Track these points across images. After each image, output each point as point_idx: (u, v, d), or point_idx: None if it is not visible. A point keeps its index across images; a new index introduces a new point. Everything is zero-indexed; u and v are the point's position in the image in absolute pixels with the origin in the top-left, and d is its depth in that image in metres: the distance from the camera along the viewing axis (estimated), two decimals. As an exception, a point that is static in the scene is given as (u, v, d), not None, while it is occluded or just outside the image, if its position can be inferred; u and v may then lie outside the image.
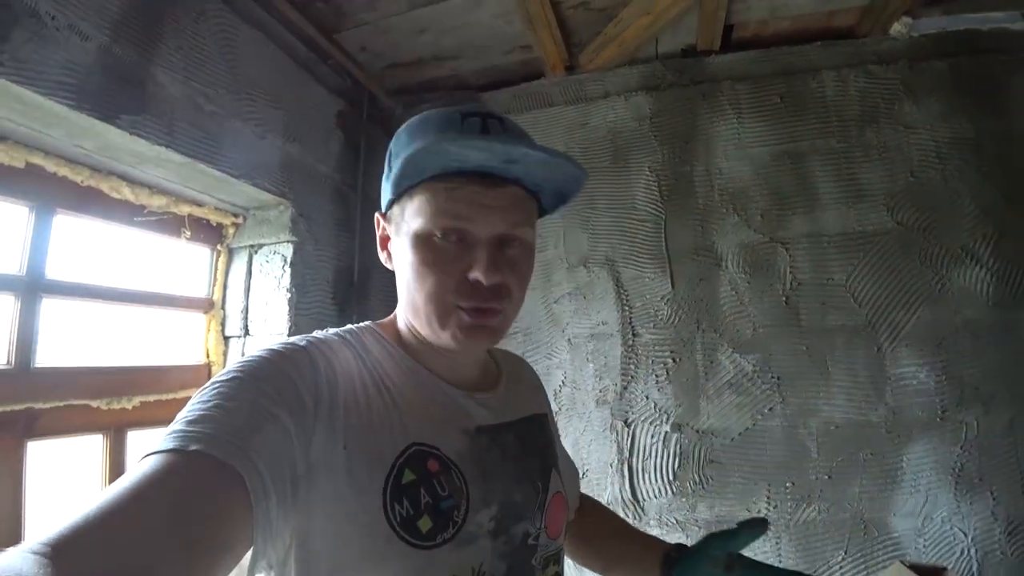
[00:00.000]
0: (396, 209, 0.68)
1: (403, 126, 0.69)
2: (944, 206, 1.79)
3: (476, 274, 0.63)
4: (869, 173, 1.86)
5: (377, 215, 0.74)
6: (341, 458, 0.57)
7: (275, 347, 0.61)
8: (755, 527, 0.78)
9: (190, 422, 0.50)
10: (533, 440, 0.77)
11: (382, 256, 0.75)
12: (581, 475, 1.90)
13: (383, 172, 0.72)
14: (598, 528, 0.97)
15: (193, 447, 0.48)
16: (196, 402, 0.53)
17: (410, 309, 0.69)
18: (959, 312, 1.73)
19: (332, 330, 0.70)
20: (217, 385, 0.54)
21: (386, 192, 0.70)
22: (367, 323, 0.74)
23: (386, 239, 0.73)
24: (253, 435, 0.51)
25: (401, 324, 0.74)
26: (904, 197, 1.83)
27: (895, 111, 1.88)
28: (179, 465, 0.47)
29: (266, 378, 0.56)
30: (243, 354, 1.80)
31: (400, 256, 0.68)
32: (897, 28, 1.89)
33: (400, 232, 0.68)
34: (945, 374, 1.71)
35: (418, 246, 0.64)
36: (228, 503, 0.47)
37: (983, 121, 1.81)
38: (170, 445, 0.48)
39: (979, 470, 1.64)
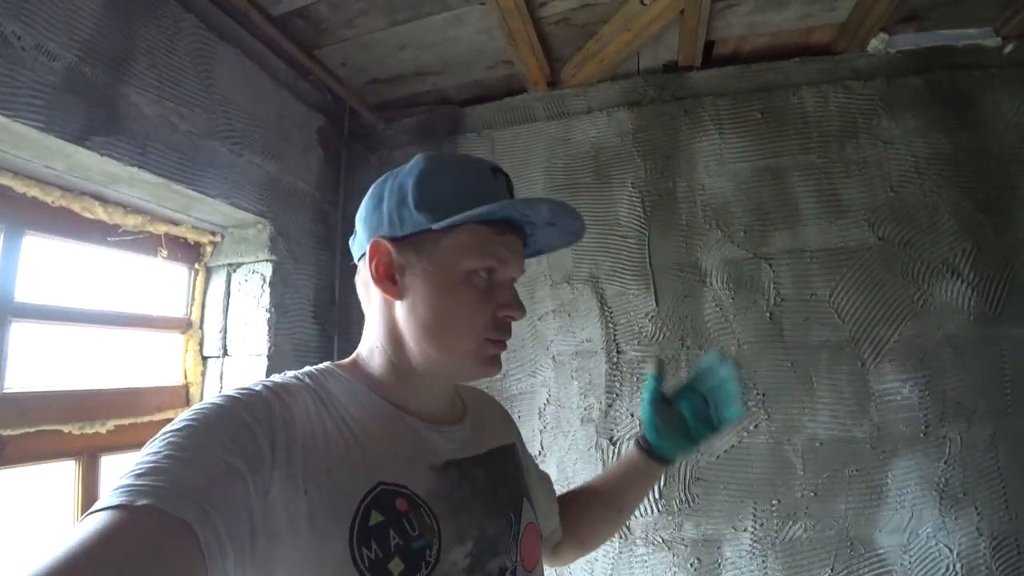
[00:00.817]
0: (428, 241, 0.67)
1: (424, 160, 0.69)
2: (924, 221, 1.80)
3: (512, 312, 0.70)
4: (850, 188, 1.87)
5: (378, 239, 0.69)
6: (303, 504, 0.55)
7: (229, 393, 0.59)
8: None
9: (139, 475, 0.47)
10: (502, 472, 0.77)
11: (381, 285, 0.69)
12: (566, 494, 1.89)
13: (397, 198, 0.68)
14: (589, 495, 1.01)
15: (141, 502, 0.45)
16: (146, 454, 0.50)
17: (425, 338, 0.68)
18: (941, 327, 1.73)
19: (291, 373, 0.68)
20: (168, 435, 0.52)
21: (417, 221, 0.66)
22: (326, 364, 0.73)
23: (390, 266, 0.69)
24: (207, 486, 0.49)
25: (377, 359, 0.72)
26: (885, 212, 1.83)
27: (874, 126, 1.89)
28: (126, 522, 0.44)
29: (220, 425, 0.54)
30: (221, 375, 1.78)
31: (429, 287, 0.67)
32: (874, 44, 1.90)
33: (432, 263, 0.67)
34: (928, 389, 1.71)
35: (463, 283, 0.68)
36: (180, 563, 0.45)
37: (959, 136, 1.83)
38: (117, 500, 0.45)
39: (963, 485, 1.64)
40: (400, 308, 0.69)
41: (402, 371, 0.71)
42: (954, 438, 1.67)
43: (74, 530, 0.44)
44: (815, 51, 2.00)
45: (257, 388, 0.61)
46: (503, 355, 0.73)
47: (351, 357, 0.75)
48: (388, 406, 0.69)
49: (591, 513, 0.98)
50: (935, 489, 1.65)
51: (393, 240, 0.68)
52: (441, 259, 0.67)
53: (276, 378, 0.66)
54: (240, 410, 0.57)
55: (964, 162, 1.81)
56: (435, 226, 0.65)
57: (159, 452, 0.50)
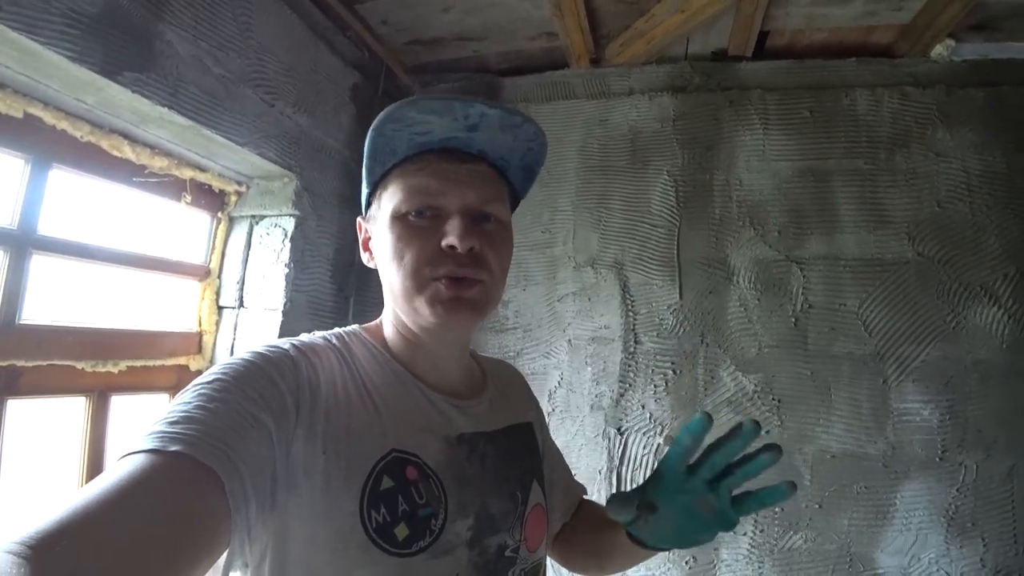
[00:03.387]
0: (374, 206, 0.71)
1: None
2: (968, 241, 1.74)
3: (450, 239, 0.63)
4: (894, 199, 1.80)
5: (359, 220, 0.77)
6: (320, 462, 0.57)
7: (259, 349, 0.61)
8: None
9: (171, 423, 0.49)
10: (514, 451, 0.76)
11: (364, 257, 0.76)
12: (568, 479, 1.88)
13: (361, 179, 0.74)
14: (576, 531, 0.91)
15: (173, 448, 0.47)
16: (178, 403, 0.52)
17: (392, 295, 0.69)
18: (971, 352, 1.68)
19: (319, 333, 0.70)
20: (199, 387, 0.54)
21: (364, 191, 0.73)
22: (354, 326, 0.74)
23: (368, 240, 0.75)
24: (235, 438, 0.50)
25: (387, 326, 0.73)
26: (928, 227, 1.77)
27: (928, 137, 1.81)
28: (159, 466, 0.46)
29: (249, 381, 0.56)
30: (236, 326, 1.77)
31: (379, 245, 0.69)
32: (939, 50, 1.81)
33: (378, 223, 0.69)
34: (950, 414, 1.66)
35: (393, 227, 0.66)
36: (208, 507, 0.47)
37: (1017, 156, 1.75)
38: (150, 445, 0.47)
39: (973, 515, 1.61)
40: (380, 275, 0.72)
41: (405, 336, 0.71)
42: (970, 466, 1.63)
43: (108, 471, 0.45)
44: (874, 52, 1.92)
45: (286, 347, 0.63)
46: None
47: (376, 320, 0.76)
48: (407, 375, 0.69)
49: (574, 552, 0.90)
50: (944, 515, 1.62)
51: (365, 216, 0.75)
52: (381, 215, 0.69)
53: (304, 338, 0.68)
54: (268, 367, 0.58)
55: (1019, 184, 1.73)
56: (369, 188, 0.70)
57: (190, 403, 0.52)
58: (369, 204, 0.72)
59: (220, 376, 0.55)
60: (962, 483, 1.63)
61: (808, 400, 1.76)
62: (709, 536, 0.69)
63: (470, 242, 0.63)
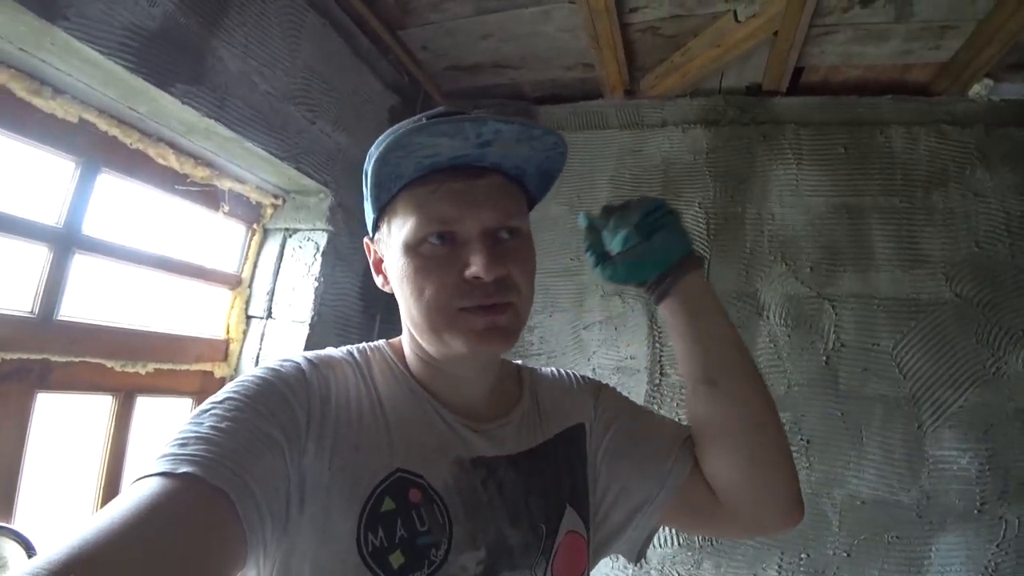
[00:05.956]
0: (383, 228, 0.66)
1: (371, 147, 0.64)
2: (1008, 283, 1.68)
3: (475, 270, 0.58)
4: (931, 238, 1.76)
5: (366, 240, 0.73)
6: (325, 478, 0.56)
7: (271, 365, 0.60)
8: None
9: (182, 444, 0.49)
10: (544, 474, 0.69)
11: (378, 281, 0.71)
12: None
13: (363, 196, 0.68)
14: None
15: (183, 470, 0.46)
16: (190, 423, 0.52)
17: (413, 325, 0.65)
18: (1012, 399, 1.61)
19: (344, 347, 0.69)
20: (211, 406, 0.54)
21: (369, 214, 0.67)
22: (380, 341, 0.72)
23: (379, 262, 0.70)
24: (247, 458, 0.50)
25: (406, 347, 0.70)
26: (966, 268, 1.72)
27: (966, 176, 1.78)
28: (170, 490, 0.46)
29: (260, 398, 0.55)
30: (263, 336, 1.80)
31: (394, 273, 0.64)
32: (977, 89, 1.79)
33: (390, 249, 0.64)
34: (989, 463, 1.58)
35: (408, 256, 0.61)
36: (220, 528, 0.46)
37: (1061, 199, 1.70)
38: (162, 468, 0.47)
39: (1014, 573, 1.51)
40: (397, 298, 0.67)
41: (425, 359, 0.67)
42: (1011, 520, 1.54)
43: (120, 497, 0.45)
44: (910, 90, 1.90)
45: (298, 360, 0.62)
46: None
47: (399, 337, 0.72)
48: (425, 394, 0.66)
49: (703, 440, 0.75)
50: (982, 572, 1.53)
51: (372, 237, 0.70)
52: (392, 241, 0.64)
53: (323, 351, 0.67)
54: (279, 383, 0.58)
55: (1063, 227, 1.68)
56: (375, 213, 0.65)
57: (202, 423, 0.51)
58: (376, 227, 0.67)
59: (232, 395, 0.55)
60: (1003, 538, 1.54)
61: (838, 442, 1.70)
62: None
63: (496, 271, 0.59)
